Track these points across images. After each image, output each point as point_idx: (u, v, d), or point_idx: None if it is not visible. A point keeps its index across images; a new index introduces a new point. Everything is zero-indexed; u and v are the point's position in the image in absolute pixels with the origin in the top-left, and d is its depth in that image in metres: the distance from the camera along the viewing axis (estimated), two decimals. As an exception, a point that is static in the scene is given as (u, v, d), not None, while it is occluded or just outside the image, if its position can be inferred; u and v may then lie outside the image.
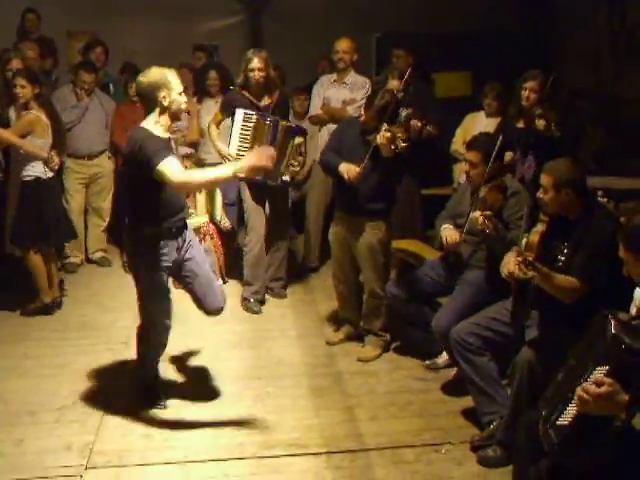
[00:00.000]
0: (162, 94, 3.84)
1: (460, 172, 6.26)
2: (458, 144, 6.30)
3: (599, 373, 2.54)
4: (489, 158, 4.15)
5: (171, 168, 3.70)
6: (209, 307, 4.22)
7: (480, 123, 6.11)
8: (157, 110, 3.89)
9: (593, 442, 2.52)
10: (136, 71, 6.72)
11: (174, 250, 4.00)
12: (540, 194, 3.61)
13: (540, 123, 4.90)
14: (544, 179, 3.59)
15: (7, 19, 7.46)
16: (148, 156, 3.70)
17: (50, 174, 5.64)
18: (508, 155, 4.39)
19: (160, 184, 3.78)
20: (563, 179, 3.52)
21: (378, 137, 4.54)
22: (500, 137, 4.22)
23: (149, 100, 3.90)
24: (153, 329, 4.18)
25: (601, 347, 2.58)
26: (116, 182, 6.93)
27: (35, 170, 5.55)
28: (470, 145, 4.35)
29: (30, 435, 4.00)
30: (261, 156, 3.74)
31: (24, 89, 5.44)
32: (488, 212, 4.01)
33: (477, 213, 4.03)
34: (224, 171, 3.88)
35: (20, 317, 5.74)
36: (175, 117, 4.02)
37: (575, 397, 2.55)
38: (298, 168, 5.83)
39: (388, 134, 4.50)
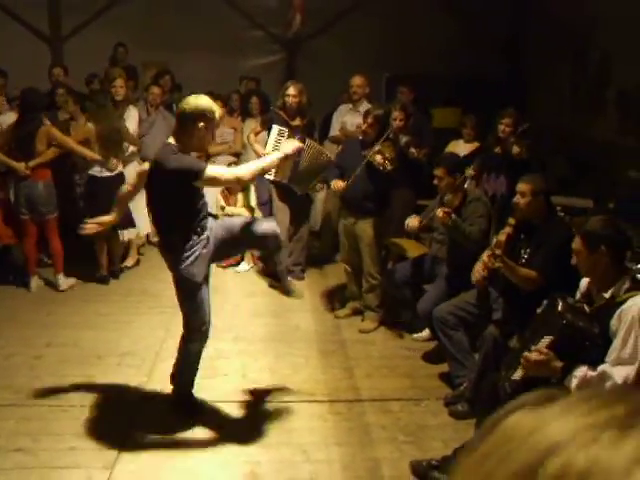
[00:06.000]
0: (201, 124, 3.24)
1: None
2: None
3: (544, 342, 2.59)
4: (452, 172, 4.18)
5: (216, 168, 3.39)
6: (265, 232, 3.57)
7: (460, 148, 6.10)
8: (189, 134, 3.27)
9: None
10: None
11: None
12: (516, 199, 3.55)
13: (515, 149, 4.91)
14: (524, 186, 3.53)
15: (99, 51, 7.52)
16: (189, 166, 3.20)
17: (106, 173, 5.55)
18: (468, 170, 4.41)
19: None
20: (540, 187, 3.53)
21: (371, 154, 4.56)
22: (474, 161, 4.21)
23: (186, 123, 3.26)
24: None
25: (549, 322, 2.64)
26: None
27: (93, 170, 5.56)
28: (437, 163, 4.34)
29: (97, 373, 4.06)
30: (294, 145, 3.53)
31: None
32: (446, 209, 4.04)
33: (438, 210, 4.06)
34: (274, 156, 3.51)
35: (92, 283, 5.72)
36: (197, 149, 3.47)
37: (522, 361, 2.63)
38: (320, 190, 5.92)
39: (378, 155, 4.52)
